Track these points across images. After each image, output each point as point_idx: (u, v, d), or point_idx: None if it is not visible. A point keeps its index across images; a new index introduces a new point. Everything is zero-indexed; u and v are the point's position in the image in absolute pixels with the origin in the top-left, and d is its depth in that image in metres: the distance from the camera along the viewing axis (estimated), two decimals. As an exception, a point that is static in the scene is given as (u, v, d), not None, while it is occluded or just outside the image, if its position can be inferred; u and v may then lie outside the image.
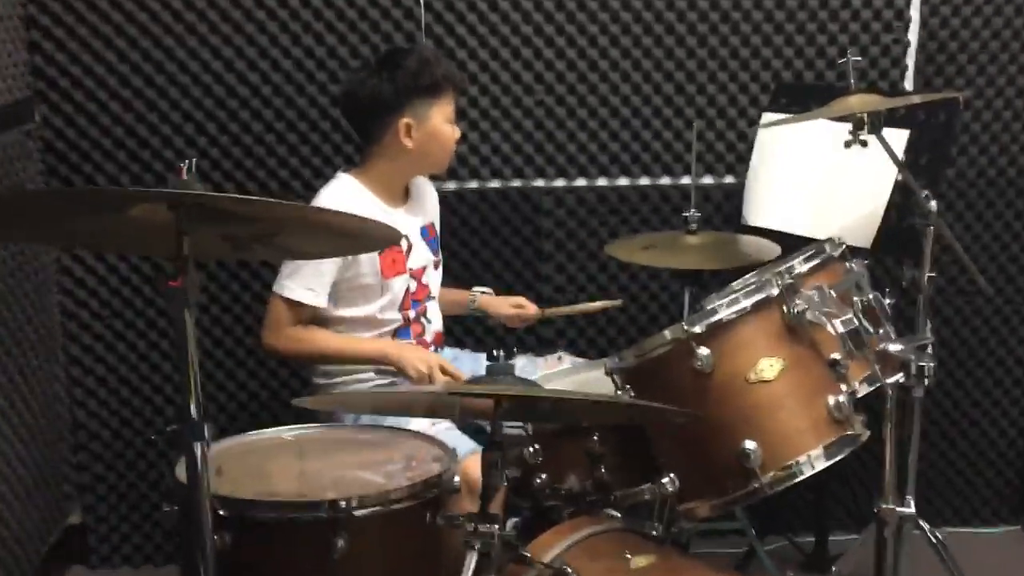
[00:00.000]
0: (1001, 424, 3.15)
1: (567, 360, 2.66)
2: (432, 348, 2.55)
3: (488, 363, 1.88)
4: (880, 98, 2.21)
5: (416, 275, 2.51)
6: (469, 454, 2.16)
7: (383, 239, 1.97)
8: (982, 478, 3.18)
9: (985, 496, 3.19)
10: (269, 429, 2.15)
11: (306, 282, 2.35)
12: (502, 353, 2.06)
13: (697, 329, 1.91)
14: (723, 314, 1.92)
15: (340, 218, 1.70)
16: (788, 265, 2.03)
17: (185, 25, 2.77)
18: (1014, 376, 3.12)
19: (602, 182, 2.99)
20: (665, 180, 3.00)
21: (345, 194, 2.41)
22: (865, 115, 2.14)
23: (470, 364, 2.61)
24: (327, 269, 2.35)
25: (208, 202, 1.50)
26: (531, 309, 2.73)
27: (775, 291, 1.93)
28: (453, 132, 2.46)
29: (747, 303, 1.92)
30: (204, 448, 1.55)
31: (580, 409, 1.96)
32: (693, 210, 2.60)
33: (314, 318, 2.41)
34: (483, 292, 2.76)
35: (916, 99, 2.41)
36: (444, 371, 2.32)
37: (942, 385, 3.09)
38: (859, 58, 2.30)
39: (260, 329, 2.43)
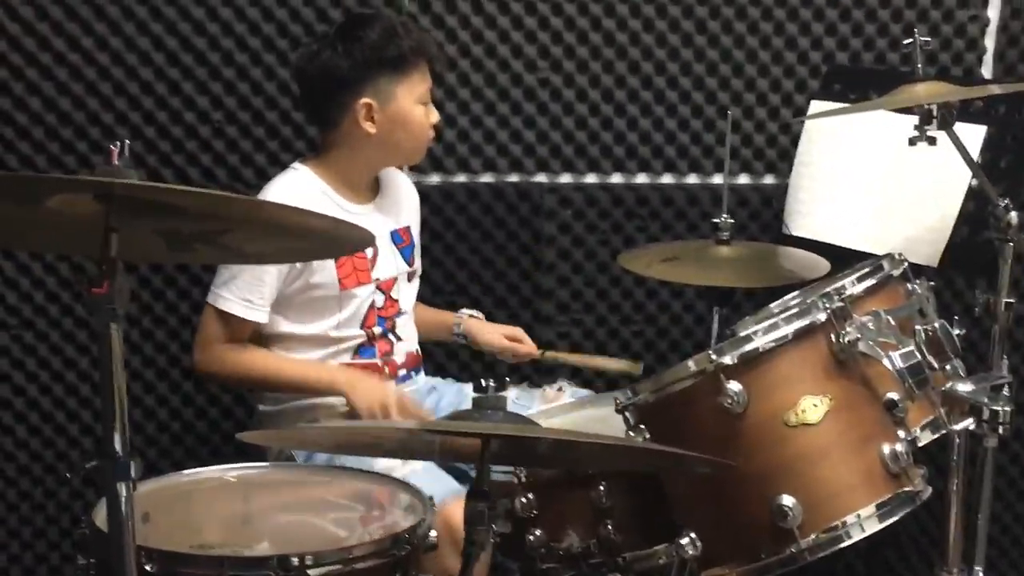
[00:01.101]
0: (1090, 482, 3.17)
1: (570, 392, 2.67)
2: (403, 372, 2.56)
3: (475, 395, 1.88)
4: (952, 87, 2.23)
5: (384, 287, 2.52)
6: (450, 497, 2.16)
7: (352, 243, 1.97)
8: (1066, 546, 3.20)
9: (1069, 568, 3.22)
10: (208, 468, 2.15)
11: (244, 292, 2.36)
12: (492, 383, 2.06)
13: (727, 360, 1.91)
14: (759, 342, 1.92)
15: (302, 217, 1.70)
16: (838, 285, 2.04)
17: (119, -22, 2.79)
18: (1107, 425, 3.14)
19: (616, 179, 3.01)
20: (692, 179, 3.01)
21: (295, 189, 2.42)
22: (934, 107, 2.15)
23: (453, 396, 2.62)
24: (270, 277, 2.36)
25: (143, 193, 1.49)
26: (528, 347, 2.74)
27: (822, 316, 1.94)
28: (427, 115, 2.47)
29: (788, 330, 1.93)
30: (130, 489, 1.55)
31: (584, 453, 1.96)
32: (725, 216, 2.61)
33: (255, 334, 2.42)
34: (471, 315, 2.77)
35: (996, 89, 2.42)
36: (404, 411, 2.32)
37: (1020, 435, 3.10)
38: (928, 38, 2.31)
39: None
